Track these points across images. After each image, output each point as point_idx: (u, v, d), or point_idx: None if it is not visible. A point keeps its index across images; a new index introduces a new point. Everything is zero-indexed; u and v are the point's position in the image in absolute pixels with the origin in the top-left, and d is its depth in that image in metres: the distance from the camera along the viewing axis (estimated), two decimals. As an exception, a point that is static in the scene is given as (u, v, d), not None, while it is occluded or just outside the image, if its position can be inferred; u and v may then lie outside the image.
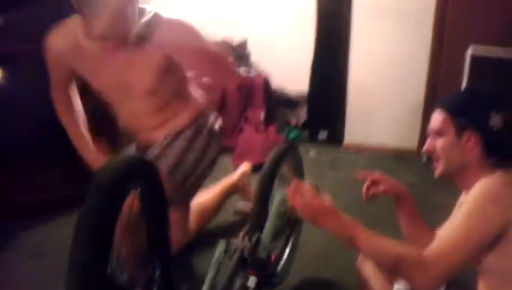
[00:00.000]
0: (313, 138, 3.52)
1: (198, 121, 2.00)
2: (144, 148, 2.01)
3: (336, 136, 3.46)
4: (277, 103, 3.57)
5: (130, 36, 1.75)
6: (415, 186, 2.62)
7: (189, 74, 2.01)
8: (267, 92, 3.40)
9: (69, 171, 2.44)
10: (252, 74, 3.40)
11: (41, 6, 2.36)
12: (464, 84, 2.97)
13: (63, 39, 1.84)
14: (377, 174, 1.47)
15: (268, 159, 1.84)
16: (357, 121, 3.41)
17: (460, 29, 3.04)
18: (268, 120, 3.38)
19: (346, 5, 3.21)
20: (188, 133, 1.97)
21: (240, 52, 3.42)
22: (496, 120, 1.33)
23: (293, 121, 3.58)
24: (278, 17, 3.52)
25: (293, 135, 3.49)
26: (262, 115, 3.34)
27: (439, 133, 1.36)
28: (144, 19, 1.78)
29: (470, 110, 1.35)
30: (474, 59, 2.91)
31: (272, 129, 3.33)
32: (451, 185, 1.38)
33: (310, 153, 3.30)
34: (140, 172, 1.46)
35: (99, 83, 1.91)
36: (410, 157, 3.24)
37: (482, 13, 2.98)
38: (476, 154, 1.32)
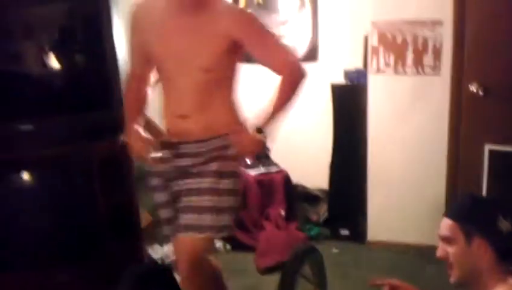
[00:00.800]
0: (334, 235, 3.47)
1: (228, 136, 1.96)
2: (172, 145, 1.99)
3: (359, 233, 3.41)
4: (298, 200, 3.58)
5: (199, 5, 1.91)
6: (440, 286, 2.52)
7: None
8: (288, 189, 3.42)
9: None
10: (272, 171, 3.44)
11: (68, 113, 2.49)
12: (484, 182, 2.94)
13: (145, 6, 2.04)
14: (394, 281, 1.44)
15: (288, 259, 1.83)
16: (379, 218, 3.37)
17: (476, 129, 3.06)
18: (289, 217, 3.37)
19: (362, 105, 3.29)
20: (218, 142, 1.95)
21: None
22: (504, 225, 1.32)
23: (314, 218, 3.55)
24: (297, 114, 3.61)
25: (314, 232, 3.45)
26: (283, 212, 3.33)
27: (448, 240, 1.36)
28: None
29: (477, 217, 1.36)
30: (493, 154, 2.91)
31: (293, 226, 3.31)
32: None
33: (332, 250, 3.24)
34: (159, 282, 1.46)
35: (161, 51, 1.99)
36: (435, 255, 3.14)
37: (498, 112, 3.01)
38: (488, 261, 1.30)
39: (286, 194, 3.40)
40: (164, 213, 2.06)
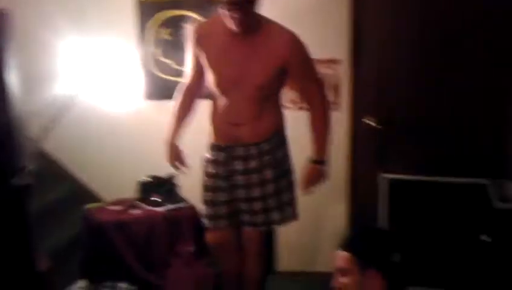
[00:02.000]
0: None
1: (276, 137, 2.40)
2: (226, 148, 2.39)
3: (269, 266, 3.43)
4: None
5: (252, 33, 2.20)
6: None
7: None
8: (196, 225, 3.38)
9: None
10: (180, 207, 3.39)
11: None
12: (384, 211, 3.09)
13: (207, 26, 2.42)
14: None
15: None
16: (287, 249, 3.42)
17: (374, 160, 3.22)
18: (199, 253, 3.33)
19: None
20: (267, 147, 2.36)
21: (168, 187, 3.44)
22: (396, 257, 1.39)
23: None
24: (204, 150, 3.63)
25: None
26: (192, 249, 3.29)
27: (343, 271, 1.40)
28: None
29: (370, 249, 1.41)
30: (390, 182, 3.07)
31: (202, 263, 3.26)
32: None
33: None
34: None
35: (220, 69, 2.30)
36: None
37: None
38: None
39: (195, 230, 3.36)
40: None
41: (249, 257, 2.56)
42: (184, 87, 2.57)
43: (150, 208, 3.30)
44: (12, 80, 2.60)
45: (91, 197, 3.70)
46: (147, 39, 3.76)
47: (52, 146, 3.68)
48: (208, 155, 2.48)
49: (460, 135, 3.11)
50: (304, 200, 3.32)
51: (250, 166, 2.36)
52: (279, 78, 2.31)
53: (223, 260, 2.69)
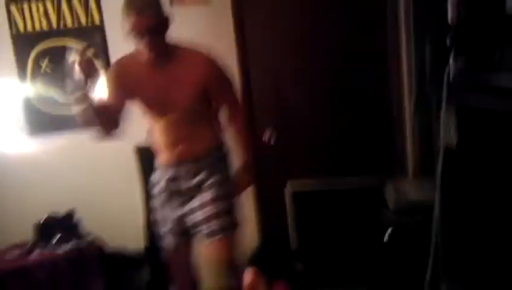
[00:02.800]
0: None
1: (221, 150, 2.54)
2: (170, 167, 2.49)
3: None
4: (119, 267, 3.42)
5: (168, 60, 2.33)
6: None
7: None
8: (103, 260, 3.26)
9: None
10: (83, 244, 3.24)
11: None
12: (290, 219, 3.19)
13: (125, 62, 2.48)
14: None
15: None
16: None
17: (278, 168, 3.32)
18: (111, 289, 3.21)
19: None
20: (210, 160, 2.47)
21: (67, 224, 3.28)
22: (299, 266, 1.48)
23: (137, 283, 3.44)
24: (103, 180, 3.52)
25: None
26: (101, 285, 3.16)
27: (252, 287, 1.46)
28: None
29: (274, 262, 1.49)
30: (294, 194, 3.18)
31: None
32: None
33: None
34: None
35: (145, 99, 2.43)
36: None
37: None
38: None
39: (102, 265, 3.23)
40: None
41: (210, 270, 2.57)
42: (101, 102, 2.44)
43: (50, 250, 3.12)
44: None
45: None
46: (27, 73, 3.57)
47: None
48: (156, 176, 2.59)
49: (351, 136, 3.29)
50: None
51: (193, 183, 2.47)
52: (204, 98, 2.44)
53: (178, 279, 2.73)
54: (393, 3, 3.12)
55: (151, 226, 3.40)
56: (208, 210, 2.45)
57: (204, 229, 2.46)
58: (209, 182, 2.46)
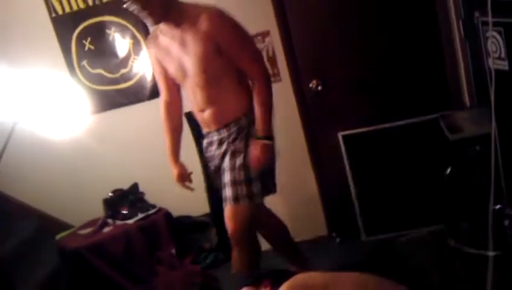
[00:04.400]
0: (230, 257, 3.49)
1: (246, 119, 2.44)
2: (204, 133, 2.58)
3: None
4: (185, 232, 3.55)
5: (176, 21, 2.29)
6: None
7: None
8: (172, 226, 3.39)
9: None
10: (151, 213, 3.38)
11: None
12: (346, 164, 3.16)
13: (151, 38, 2.56)
14: None
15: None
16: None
17: (326, 120, 3.27)
18: (182, 253, 3.34)
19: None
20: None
21: (133, 197, 3.41)
22: None
23: (207, 245, 3.56)
24: (162, 149, 3.60)
25: (210, 259, 3.45)
26: (173, 251, 3.30)
27: None
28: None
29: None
30: (346, 138, 3.14)
31: (187, 261, 3.28)
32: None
33: (232, 272, 3.27)
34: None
35: (169, 66, 2.46)
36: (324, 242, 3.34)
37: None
38: None
39: (171, 231, 3.36)
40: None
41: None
42: (162, 103, 2.66)
43: (121, 222, 3.27)
44: None
45: (58, 226, 3.61)
46: (73, 54, 3.67)
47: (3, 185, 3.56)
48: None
49: (403, 79, 3.15)
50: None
51: (221, 151, 2.47)
52: (220, 59, 2.31)
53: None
54: None
55: (210, 190, 3.52)
56: (225, 177, 2.43)
57: (222, 193, 2.48)
58: (230, 150, 2.42)
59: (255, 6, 3.15)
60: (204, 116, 2.47)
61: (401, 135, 3.07)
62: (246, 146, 2.42)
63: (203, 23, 2.23)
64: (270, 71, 3.19)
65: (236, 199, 2.39)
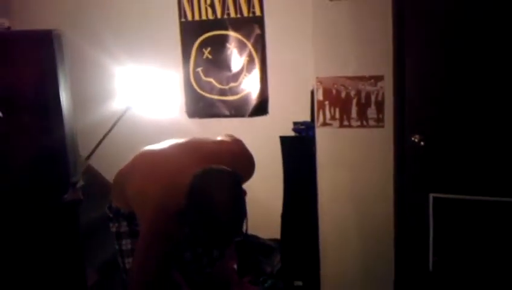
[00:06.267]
0: (288, 286, 3.45)
1: None
2: None
3: (312, 285, 3.40)
4: (251, 252, 3.56)
5: None
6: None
7: None
8: (239, 241, 3.40)
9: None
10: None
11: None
12: (431, 228, 3.03)
13: None
14: None
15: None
16: (331, 269, 3.38)
17: (419, 177, 3.16)
18: (242, 271, 3.34)
19: (310, 156, 3.36)
20: None
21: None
22: None
23: (268, 269, 3.54)
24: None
25: (268, 284, 3.43)
26: (235, 266, 3.29)
27: None
28: None
29: None
30: (437, 201, 3.01)
31: (247, 280, 3.27)
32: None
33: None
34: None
35: None
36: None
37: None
38: None
39: (238, 246, 3.37)
40: None
41: None
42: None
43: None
44: (66, 98, 2.72)
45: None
46: (191, 59, 3.87)
47: (99, 163, 3.78)
48: None
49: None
50: (352, 216, 3.33)
51: None
52: None
53: None
54: None
55: (286, 217, 3.52)
56: None
57: None
58: None
59: (373, 47, 3.16)
60: None
61: (503, 214, 2.88)
62: None
63: None
64: (375, 116, 3.18)
65: None
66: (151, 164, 2.09)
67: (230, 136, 2.50)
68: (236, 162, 2.17)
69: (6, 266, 2.69)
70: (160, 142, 2.30)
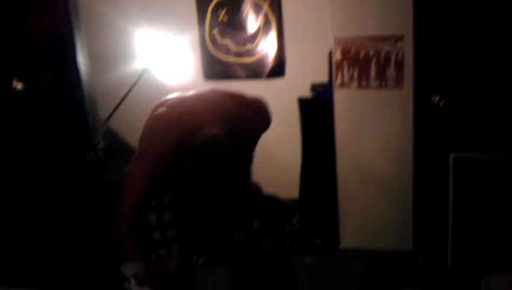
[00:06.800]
0: (307, 245, 3.51)
1: None
2: None
3: (331, 242, 3.46)
4: (270, 211, 3.61)
5: None
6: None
7: None
8: (259, 201, 3.44)
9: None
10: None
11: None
12: (451, 188, 3.03)
13: None
14: None
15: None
16: (351, 226, 3.44)
17: (439, 138, 3.15)
18: (262, 230, 3.39)
19: (328, 117, 3.35)
20: None
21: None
22: None
23: (287, 228, 3.59)
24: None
25: (287, 242, 3.48)
26: (255, 225, 3.35)
27: None
28: None
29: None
30: (457, 162, 3.00)
31: (266, 239, 3.32)
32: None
33: (305, 260, 3.29)
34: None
35: None
36: (405, 261, 3.24)
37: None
38: None
39: (257, 206, 3.42)
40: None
41: None
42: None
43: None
44: (84, 60, 2.72)
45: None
46: (206, 21, 3.84)
47: (120, 124, 3.81)
48: None
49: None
50: (371, 176, 3.37)
51: None
52: None
53: None
54: None
55: (305, 177, 3.55)
56: None
57: None
58: None
59: (393, 6, 3.10)
60: None
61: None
62: None
63: None
64: (394, 76, 3.16)
65: None
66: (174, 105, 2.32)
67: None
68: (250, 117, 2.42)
69: (33, 226, 2.77)
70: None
